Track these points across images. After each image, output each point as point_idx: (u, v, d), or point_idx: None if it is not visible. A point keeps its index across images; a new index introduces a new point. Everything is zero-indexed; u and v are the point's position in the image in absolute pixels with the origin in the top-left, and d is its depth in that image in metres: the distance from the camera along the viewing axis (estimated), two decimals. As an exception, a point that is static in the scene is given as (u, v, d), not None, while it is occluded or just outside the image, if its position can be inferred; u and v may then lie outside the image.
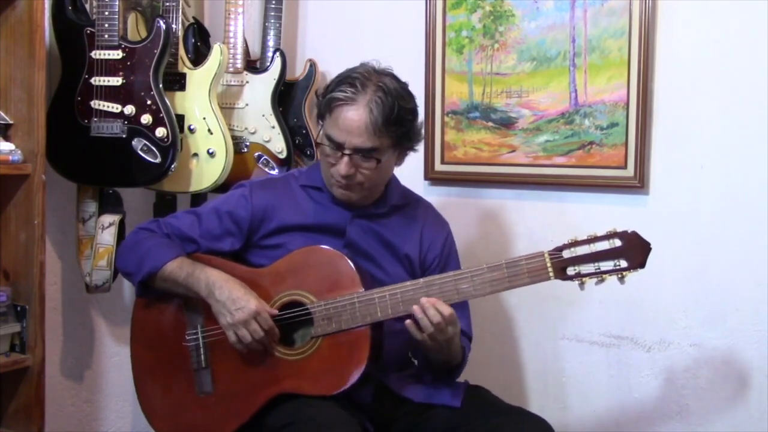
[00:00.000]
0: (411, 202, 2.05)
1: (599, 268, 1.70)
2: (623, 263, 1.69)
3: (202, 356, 1.88)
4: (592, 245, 1.70)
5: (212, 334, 1.87)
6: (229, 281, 1.82)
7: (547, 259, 1.72)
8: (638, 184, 2.20)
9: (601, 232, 1.72)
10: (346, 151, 1.82)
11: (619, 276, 1.70)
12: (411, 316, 1.75)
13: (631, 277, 2.15)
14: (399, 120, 1.84)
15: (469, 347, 1.98)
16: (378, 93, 1.81)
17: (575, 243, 1.71)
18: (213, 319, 1.84)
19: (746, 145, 2.09)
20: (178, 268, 1.86)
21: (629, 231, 1.70)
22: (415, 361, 1.98)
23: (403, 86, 1.88)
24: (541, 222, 2.37)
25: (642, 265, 1.69)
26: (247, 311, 1.77)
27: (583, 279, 1.71)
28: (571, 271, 1.71)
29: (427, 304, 1.74)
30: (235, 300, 1.79)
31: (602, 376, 2.31)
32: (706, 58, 2.13)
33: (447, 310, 1.74)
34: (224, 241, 1.93)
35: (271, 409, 1.79)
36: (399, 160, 1.95)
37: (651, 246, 1.70)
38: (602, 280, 1.71)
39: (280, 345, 1.82)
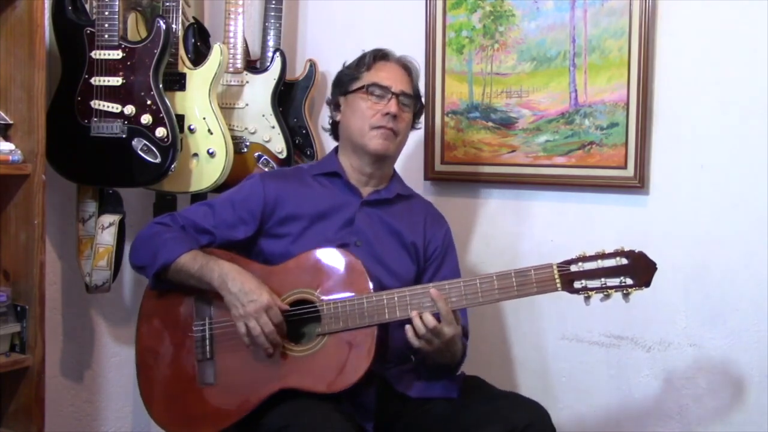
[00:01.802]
0: (413, 195, 2.14)
1: (605, 284, 1.74)
2: (629, 281, 1.73)
3: (208, 347, 1.89)
4: (599, 261, 1.74)
5: (220, 326, 1.89)
6: (243, 273, 1.85)
7: (555, 271, 1.76)
8: (638, 184, 2.20)
9: (609, 249, 1.75)
10: (395, 91, 1.97)
11: (624, 293, 1.73)
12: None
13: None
14: (419, 91, 2.08)
15: (466, 343, 1.99)
16: (403, 61, 2.05)
17: (583, 258, 1.75)
18: (222, 311, 1.87)
19: (746, 145, 2.09)
20: (191, 260, 1.88)
21: (636, 251, 1.74)
22: (413, 358, 1.99)
23: None
24: (541, 222, 2.37)
25: (647, 283, 1.73)
26: (259, 304, 1.79)
27: (590, 293, 1.75)
28: (578, 284, 1.75)
29: (424, 311, 1.77)
30: (247, 292, 1.81)
31: (602, 376, 2.31)
32: (706, 58, 2.13)
33: (444, 309, 1.76)
34: (238, 230, 1.97)
35: (268, 410, 1.79)
36: (409, 130, 2.08)
37: (657, 266, 1.73)
38: (608, 296, 1.75)
39: (286, 341, 1.83)
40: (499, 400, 1.85)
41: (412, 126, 2.08)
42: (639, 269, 1.73)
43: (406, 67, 2.03)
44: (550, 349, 2.38)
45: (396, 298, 1.79)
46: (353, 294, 1.81)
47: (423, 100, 2.14)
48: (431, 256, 2.05)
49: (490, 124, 2.40)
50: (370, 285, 1.82)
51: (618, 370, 2.29)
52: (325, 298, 1.83)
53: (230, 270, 1.85)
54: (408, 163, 2.47)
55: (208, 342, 1.90)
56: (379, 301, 1.79)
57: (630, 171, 2.21)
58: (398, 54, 2.06)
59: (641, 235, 2.21)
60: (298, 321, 1.85)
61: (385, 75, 1.99)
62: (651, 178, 2.21)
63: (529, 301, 2.37)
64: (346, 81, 2.04)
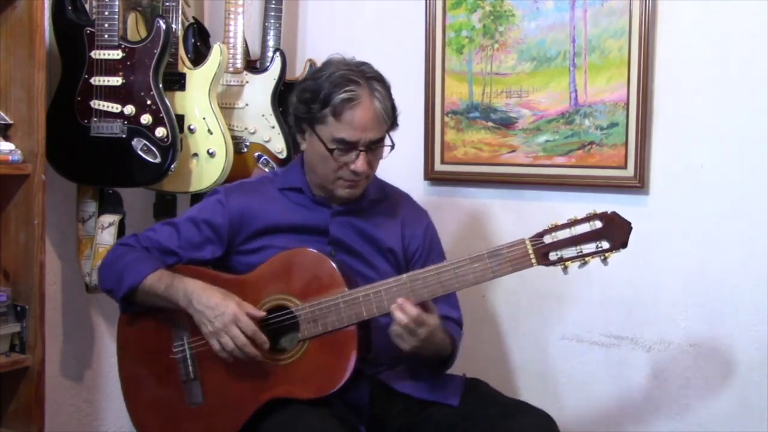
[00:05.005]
0: (389, 195, 2.04)
1: (581, 251, 1.67)
2: (605, 244, 1.66)
3: (190, 368, 1.86)
4: (572, 228, 1.68)
5: (199, 345, 1.85)
6: (207, 289, 1.80)
7: (529, 246, 1.69)
8: (638, 184, 2.20)
9: (581, 215, 1.69)
10: (362, 148, 1.83)
11: (602, 258, 1.68)
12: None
13: (630, 275, 2.16)
14: (394, 104, 1.89)
15: (460, 334, 1.96)
16: (374, 83, 1.84)
17: (555, 228, 1.69)
18: (198, 329, 1.82)
19: (746, 145, 2.09)
20: (157, 280, 1.84)
21: (609, 212, 1.68)
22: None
23: (380, 73, 1.90)
24: (541, 222, 2.33)
25: (624, 245, 1.67)
26: (226, 317, 1.75)
27: (566, 263, 1.68)
28: (553, 256, 1.69)
29: (394, 307, 1.71)
30: (213, 307, 1.77)
31: (602, 376, 2.31)
32: (706, 58, 2.13)
33: (413, 311, 1.70)
34: (205, 250, 1.92)
35: (264, 418, 1.77)
36: None
37: (632, 225, 1.68)
38: (585, 263, 1.68)
39: (267, 350, 1.80)
40: (505, 409, 1.79)
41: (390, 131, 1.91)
42: (614, 231, 1.66)
43: (379, 99, 1.83)
44: (551, 349, 2.38)
45: (371, 294, 1.75)
46: (329, 294, 1.77)
47: (398, 110, 1.92)
48: (414, 254, 1.99)
49: (490, 124, 2.40)
50: (342, 280, 1.78)
51: (618, 370, 2.29)
52: (300, 302, 1.79)
53: (195, 287, 1.80)
54: (408, 163, 2.47)
55: (190, 362, 1.87)
56: (355, 299, 1.75)
57: (630, 171, 2.21)
58: (361, 69, 1.85)
59: (641, 235, 2.20)
60: (279, 328, 1.82)
61: (354, 124, 1.80)
62: (651, 178, 2.21)
63: (529, 301, 2.38)
64: (311, 111, 1.84)
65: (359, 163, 1.83)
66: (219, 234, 1.91)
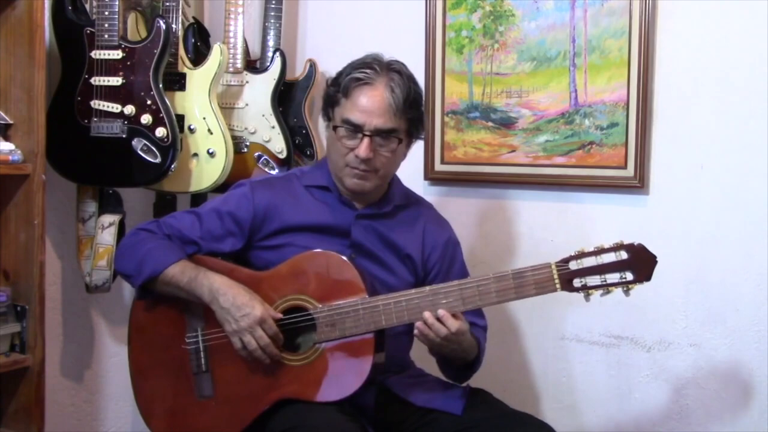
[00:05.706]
0: (413, 202, 2.04)
1: (605, 281, 1.70)
2: (629, 276, 1.69)
3: (202, 360, 1.86)
4: (598, 257, 1.70)
5: (213, 338, 1.85)
6: (233, 287, 1.80)
7: (554, 271, 1.71)
8: (638, 184, 2.20)
9: (608, 244, 1.71)
10: (367, 132, 1.82)
11: (625, 288, 1.70)
12: (414, 324, 1.75)
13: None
14: (415, 102, 1.88)
15: (485, 337, 1.96)
16: (393, 74, 1.85)
17: (582, 254, 1.71)
18: (213, 322, 1.83)
19: (746, 145, 2.09)
20: (180, 272, 1.83)
21: (636, 243, 1.70)
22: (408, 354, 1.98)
23: (411, 72, 1.92)
24: (541, 222, 2.37)
25: (648, 278, 1.69)
26: (252, 318, 1.76)
27: (590, 291, 1.71)
28: (577, 282, 1.71)
29: (431, 319, 1.72)
30: (240, 306, 1.77)
31: (602, 376, 2.31)
32: (706, 58, 2.13)
33: (454, 325, 1.72)
34: (225, 242, 1.91)
35: (273, 414, 1.78)
36: (406, 149, 1.96)
37: (657, 259, 1.69)
38: (608, 292, 1.71)
39: (283, 350, 1.80)
40: (508, 419, 1.80)
41: (415, 138, 1.94)
42: (639, 263, 1.69)
43: (393, 89, 1.83)
44: (550, 349, 2.38)
45: (392, 303, 1.75)
46: (347, 298, 1.77)
47: (423, 105, 1.94)
48: (433, 267, 1.98)
49: (490, 124, 2.40)
50: (363, 285, 1.78)
51: (618, 370, 2.29)
52: (319, 304, 1.79)
53: (221, 284, 1.80)
54: (408, 163, 2.46)
55: (202, 354, 1.86)
56: (374, 307, 1.75)
57: (630, 171, 2.21)
58: (388, 61, 1.88)
59: (641, 235, 2.20)
60: (294, 328, 1.82)
61: (361, 107, 1.82)
62: (651, 178, 2.21)
63: (529, 301, 2.37)
64: (329, 93, 1.91)
65: (362, 148, 1.82)
66: (242, 227, 1.91)
